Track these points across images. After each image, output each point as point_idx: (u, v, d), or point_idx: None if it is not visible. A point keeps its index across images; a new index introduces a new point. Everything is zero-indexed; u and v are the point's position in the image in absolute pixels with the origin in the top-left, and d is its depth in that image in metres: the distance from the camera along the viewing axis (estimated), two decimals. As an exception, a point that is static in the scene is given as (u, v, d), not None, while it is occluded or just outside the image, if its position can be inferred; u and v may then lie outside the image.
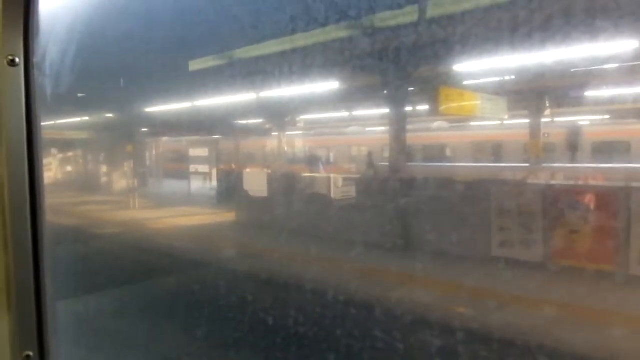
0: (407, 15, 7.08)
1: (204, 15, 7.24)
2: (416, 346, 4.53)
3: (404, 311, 5.39)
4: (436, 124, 20.32)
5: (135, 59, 9.15)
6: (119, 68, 10.06)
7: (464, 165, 16.83)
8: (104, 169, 20.72)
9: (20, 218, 1.27)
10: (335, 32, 8.16)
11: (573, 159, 14.99)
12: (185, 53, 9.33)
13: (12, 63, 1.21)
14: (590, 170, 13.02)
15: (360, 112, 19.12)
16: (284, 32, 8.15)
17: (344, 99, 14.38)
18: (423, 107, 14.06)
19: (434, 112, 11.32)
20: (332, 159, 23.19)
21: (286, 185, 11.84)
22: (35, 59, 1.22)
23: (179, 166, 22.87)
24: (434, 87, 9.98)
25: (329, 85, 11.21)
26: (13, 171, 1.24)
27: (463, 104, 10.65)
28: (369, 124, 21.53)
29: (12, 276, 1.31)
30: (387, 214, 8.62)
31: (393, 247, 8.11)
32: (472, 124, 19.61)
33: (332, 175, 12.21)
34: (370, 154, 19.50)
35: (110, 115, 18.87)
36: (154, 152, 24.90)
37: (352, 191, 10.62)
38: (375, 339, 4.56)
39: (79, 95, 13.40)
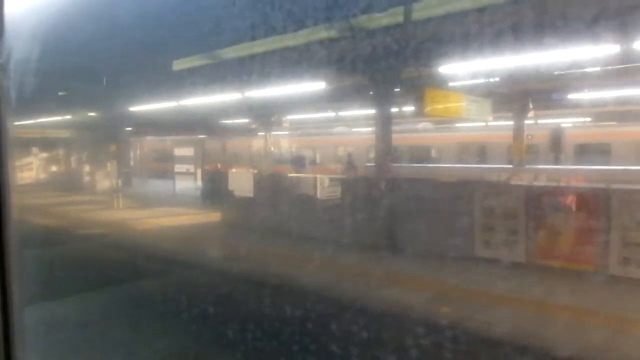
0: (394, 16, 7.09)
1: (189, 14, 7.15)
2: (394, 343, 4.53)
3: (385, 309, 5.41)
4: (421, 125, 20.45)
5: (115, 57, 9.02)
6: (99, 67, 9.91)
7: (449, 166, 16.95)
8: (86, 168, 20.41)
9: None
10: (322, 33, 8.14)
11: (556, 161, 15.20)
12: (168, 52, 9.22)
13: None
14: (572, 171, 13.23)
15: (347, 113, 19.16)
16: (269, 32, 8.11)
17: (330, 99, 14.38)
18: (409, 108, 14.13)
19: (420, 113, 11.37)
20: (318, 160, 23.19)
21: (272, 185, 11.79)
22: (0, 61, 1.18)
23: (163, 166, 22.65)
24: (420, 88, 10.03)
25: (315, 86, 11.19)
26: None
27: (448, 105, 10.72)
28: (355, 124, 21.57)
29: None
30: (371, 214, 8.64)
31: (376, 247, 8.12)
32: (457, 125, 19.80)
33: (318, 176, 12.19)
34: (349, 155, 19.55)
35: (91, 114, 18.58)
36: (138, 152, 24.64)
37: (337, 191, 10.62)
38: (355, 337, 4.56)
39: (60, 94, 13.19)
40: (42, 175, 21.54)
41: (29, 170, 20.95)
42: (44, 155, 22.02)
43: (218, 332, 5.06)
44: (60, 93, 13.33)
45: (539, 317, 5.22)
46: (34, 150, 21.18)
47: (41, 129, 19.57)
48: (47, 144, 21.05)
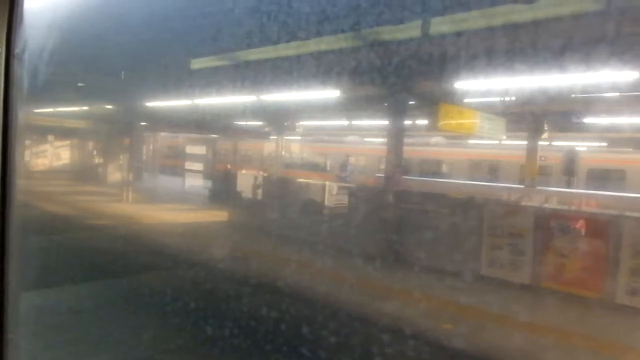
0: (412, 30, 7.09)
1: (210, 15, 7.22)
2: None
3: (385, 322, 5.36)
4: (434, 139, 20.38)
5: (135, 52, 9.12)
6: (118, 61, 10.03)
7: (459, 182, 16.85)
8: (98, 160, 20.62)
9: None
10: (341, 42, 8.17)
11: (568, 184, 15.03)
12: (187, 51, 9.31)
13: None
14: (584, 196, 13.07)
15: (360, 122, 19.15)
16: (289, 38, 8.16)
17: (344, 108, 14.40)
18: (422, 122, 14.10)
19: (433, 128, 11.33)
20: (328, 167, 23.19)
21: (280, 189, 11.81)
22: (17, 50, 1.20)
23: (174, 162, 22.80)
24: (434, 102, 10.00)
25: (330, 93, 11.22)
26: None
27: (462, 121, 10.68)
28: (367, 134, 21.56)
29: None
30: (376, 225, 8.59)
31: (378, 259, 8.07)
32: (470, 142, 19.70)
33: (327, 183, 12.19)
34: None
35: (107, 107, 18.80)
36: (150, 147, 24.82)
37: (345, 199, 10.60)
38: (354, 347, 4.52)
39: (79, 84, 13.36)
40: (56, 163, 21.78)
41: (44, 157, 21.22)
42: (59, 143, 22.29)
43: (214, 329, 5.05)
44: (79, 84, 13.51)
45: (536, 341, 5.14)
46: (50, 138, 21.46)
47: (58, 117, 19.82)
48: (62, 132, 21.30)
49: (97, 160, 20.76)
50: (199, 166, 19.36)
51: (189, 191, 17.49)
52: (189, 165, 19.33)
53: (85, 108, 19.78)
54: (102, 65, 10.50)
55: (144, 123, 20.71)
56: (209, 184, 16.64)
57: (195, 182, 18.16)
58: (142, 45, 8.50)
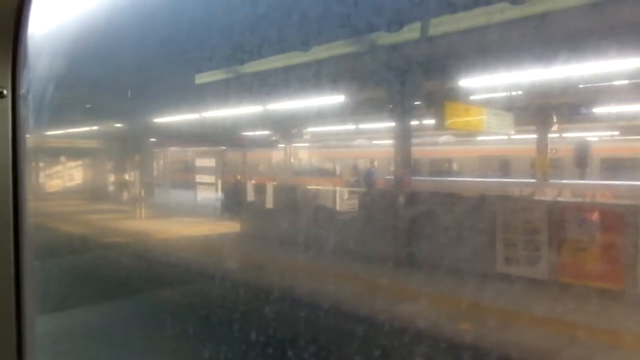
0: (414, 31, 7.10)
1: (211, 30, 7.30)
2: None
3: (405, 324, 5.32)
4: (443, 138, 20.28)
5: (140, 71, 9.26)
6: (124, 80, 10.17)
7: (470, 180, 16.73)
8: (110, 178, 20.86)
9: (3, 238, 1.30)
10: (343, 48, 8.21)
11: (581, 176, 14.84)
12: (191, 66, 9.42)
13: (0, 95, 1.29)
14: (599, 187, 12.89)
15: (367, 126, 19.13)
16: (291, 47, 8.21)
17: (350, 112, 14.41)
18: (429, 121, 14.04)
19: (440, 127, 11.28)
20: (337, 172, 23.19)
21: (291, 197, 11.83)
22: (22, 91, 1.29)
23: (185, 176, 22.96)
24: (440, 101, 9.97)
25: (335, 99, 11.25)
26: None
27: (469, 118, 10.62)
28: (375, 137, 21.53)
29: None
30: (389, 228, 8.57)
31: (394, 261, 8.04)
32: (479, 138, 19.55)
33: (337, 188, 12.19)
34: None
35: (116, 125, 19.07)
36: (160, 162, 25.05)
37: (356, 204, 10.58)
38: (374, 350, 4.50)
39: (87, 106, 13.57)
40: (69, 183, 22.07)
41: (57, 178, 21.53)
42: (71, 164, 22.60)
43: (238, 343, 5.05)
44: (87, 105, 13.71)
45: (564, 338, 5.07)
46: (62, 159, 21.77)
47: (69, 138, 20.11)
48: (74, 153, 21.60)
49: (109, 178, 20.99)
50: (209, 178, 19.47)
51: (200, 204, 17.60)
52: (199, 178, 19.45)
53: (95, 128, 20.06)
54: (109, 85, 10.65)
55: (153, 139, 20.94)
56: (220, 195, 16.73)
57: (207, 195, 18.27)
58: (147, 63, 8.62)
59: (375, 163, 19.74)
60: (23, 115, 1.34)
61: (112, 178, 20.70)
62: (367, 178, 18.50)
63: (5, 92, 1.30)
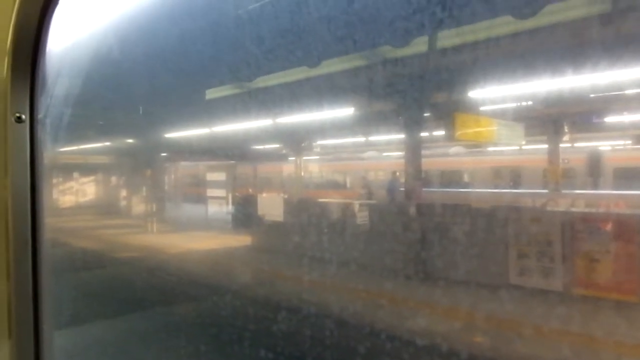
0: (422, 45, 7.15)
1: (221, 48, 7.42)
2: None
3: (420, 338, 5.27)
4: (453, 149, 20.23)
5: (152, 88, 9.43)
6: (136, 97, 10.35)
7: (481, 191, 16.63)
8: (122, 193, 21.08)
9: (23, 258, 1.35)
10: (352, 61, 8.29)
11: (594, 185, 14.68)
12: (201, 82, 9.57)
13: (19, 120, 1.36)
14: (612, 196, 12.73)
15: (377, 138, 19.17)
16: (301, 62, 8.30)
17: (360, 125, 14.46)
18: (439, 133, 14.03)
19: (450, 138, 11.27)
20: (348, 184, 23.20)
21: (302, 210, 11.84)
22: (39, 115, 1.36)
23: (196, 190, 23.12)
24: (450, 113, 9.98)
25: (345, 111, 11.31)
26: (17, 212, 1.36)
27: (479, 129, 10.61)
28: (385, 149, 21.55)
29: (12, 305, 1.34)
30: (401, 240, 8.53)
31: (409, 275, 7.98)
32: (491, 149, 19.47)
33: (348, 201, 12.19)
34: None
35: (128, 141, 19.36)
36: (172, 177, 25.26)
37: (367, 217, 10.56)
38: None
39: (100, 123, 13.80)
40: (82, 199, 22.33)
41: (70, 194, 21.80)
42: (84, 180, 22.89)
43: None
44: (99, 122, 13.94)
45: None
46: (75, 175, 22.06)
47: (82, 154, 20.42)
48: (87, 169, 21.90)
49: (121, 193, 21.22)
50: (220, 192, 19.58)
51: (211, 218, 17.68)
52: (210, 192, 19.57)
53: (107, 144, 20.35)
54: (121, 101, 10.84)
55: (164, 154, 21.18)
56: (231, 209, 16.80)
57: (218, 208, 18.35)
58: (158, 79, 8.77)
59: (397, 174, 19.68)
60: (40, 139, 1.40)
61: (124, 193, 20.91)
62: (390, 189, 18.43)
63: (24, 117, 1.36)
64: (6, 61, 1.33)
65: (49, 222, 1.46)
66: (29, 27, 1.33)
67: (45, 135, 1.46)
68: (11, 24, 1.31)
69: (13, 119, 1.33)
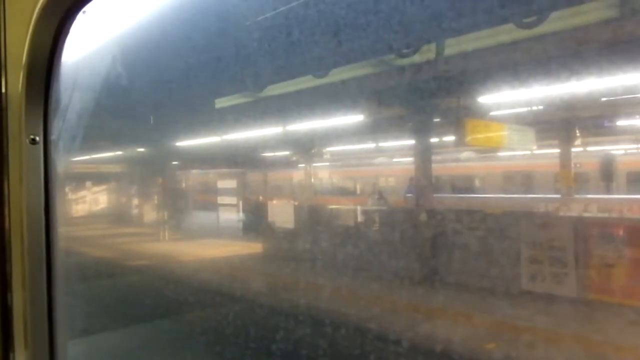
0: (431, 51, 7.16)
1: (231, 55, 7.51)
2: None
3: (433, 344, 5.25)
4: (464, 155, 20.12)
5: (163, 98, 9.56)
6: (148, 107, 10.49)
7: (493, 197, 16.50)
8: (134, 201, 21.27)
9: (38, 274, 1.40)
10: (362, 69, 8.34)
11: (607, 190, 14.50)
12: (211, 91, 9.68)
13: (33, 142, 1.38)
14: (626, 201, 12.56)
15: (387, 144, 19.16)
16: (311, 70, 8.37)
17: (370, 131, 14.48)
18: (449, 138, 13.97)
19: (461, 143, 11.23)
20: (358, 190, 23.17)
21: (312, 217, 11.86)
22: (53, 137, 1.42)
23: (207, 198, 23.24)
24: (460, 118, 9.95)
25: (355, 118, 11.32)
26: (32, 231, 1.39)
27: (490, 134, 10.55)
28: (395, 155, 21.51)
29: (28, 316, 1.38)
30: (412, 247, 8.50)
31: (421, 281, 7.95)
32: (502, 154, 19.32)
33: (358, 207, 12.18)
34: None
35: (140, 150, 19.60)
36: (183, 185, 25.43)
37: (377, 223, 10.55)
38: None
39: (112, 132, 14.00)
40: (95, 208, 22.57)
41: (83, 203, 22.04)
42: (97, 189, 23.15)
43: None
44: (113, 132, 14.13)
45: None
46: (88, 184, 22.32)
47: (95, 164, 20.68)
48: (100, 178, 22.15)
49: (134, 201, 21.40)
50: (230, 200, 19.68)
51: (222, 225, 17.76)
52: (221, 199, 19.68)
53: (119, 153, 20.60)
54: (133, 111, 10.98)
55: (175, 162, 21.36)
56: (241, 216, 16.87)
57: (229, 216, 18.44)
58: (169, 88, 8.89)
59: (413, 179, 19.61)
60: (54, 160, 1.44)
61: (136, 201, 21.09)
62: (407, 193, 18.39)
63: (37, 139, 1.39)
64: (21, 77, 1.36)
65: (62, 232, 1.50)
66: (43, 45, 1.37)
67: (58, 155, 1.50)
68: (27, 41, 1.35)
69: (27, 141, 1.37)
